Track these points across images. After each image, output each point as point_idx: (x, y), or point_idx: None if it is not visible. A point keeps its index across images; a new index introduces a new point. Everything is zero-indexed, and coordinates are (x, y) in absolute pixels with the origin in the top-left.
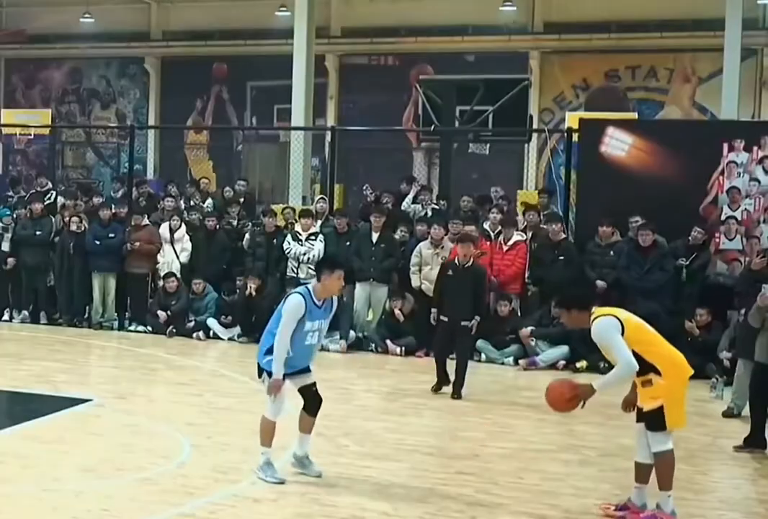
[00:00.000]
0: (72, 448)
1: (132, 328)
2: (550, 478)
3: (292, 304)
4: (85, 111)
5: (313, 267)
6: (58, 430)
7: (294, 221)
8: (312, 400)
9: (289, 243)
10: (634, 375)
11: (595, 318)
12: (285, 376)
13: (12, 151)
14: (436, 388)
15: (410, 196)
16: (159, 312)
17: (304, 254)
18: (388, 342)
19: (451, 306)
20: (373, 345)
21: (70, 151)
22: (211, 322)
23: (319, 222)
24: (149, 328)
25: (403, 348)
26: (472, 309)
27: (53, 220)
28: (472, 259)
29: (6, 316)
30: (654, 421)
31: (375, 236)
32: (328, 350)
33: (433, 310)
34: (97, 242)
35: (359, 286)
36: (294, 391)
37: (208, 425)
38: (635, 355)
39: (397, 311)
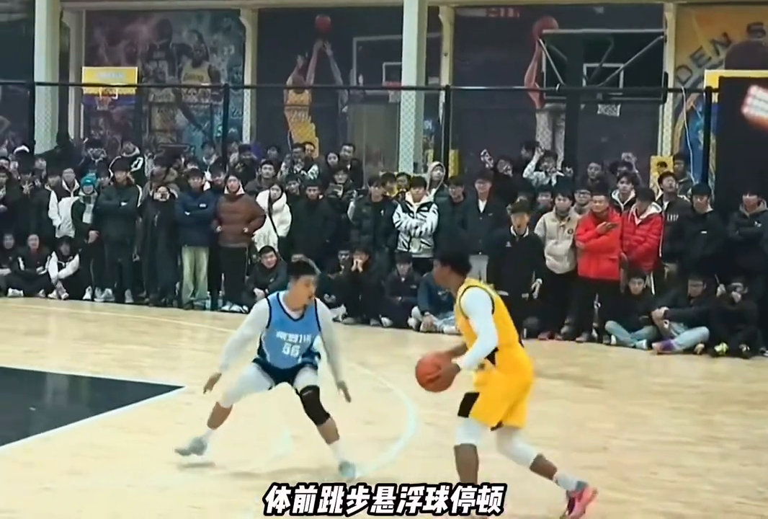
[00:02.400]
0: (159, 440)
1: (226, 308)
2: (686, 474)
3: (255, 309)
4: (174, 69)
5: (426, 241)
6: (143, 420)
7: (405, 190)
8: (306, 408)
9: (399, 215)
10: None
11: (468, 287)
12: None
13: (94, 113)
14: None
15: (532, 163)
16: (256, 290)
17: (416, 227)
18: None
19: (510, 280)
20: None
21: (158, 114)
22: None
23: (433, 191)
24: (245, 307)
25: (525, 330)
26: (530, 280)
27: (140, 189)
28: (527, 230)
29: (87, 295)
30: (463, 405)
31: (482, 205)
32: (442, 332)
33: (489, 285)
34: (187, 213)
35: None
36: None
37: None
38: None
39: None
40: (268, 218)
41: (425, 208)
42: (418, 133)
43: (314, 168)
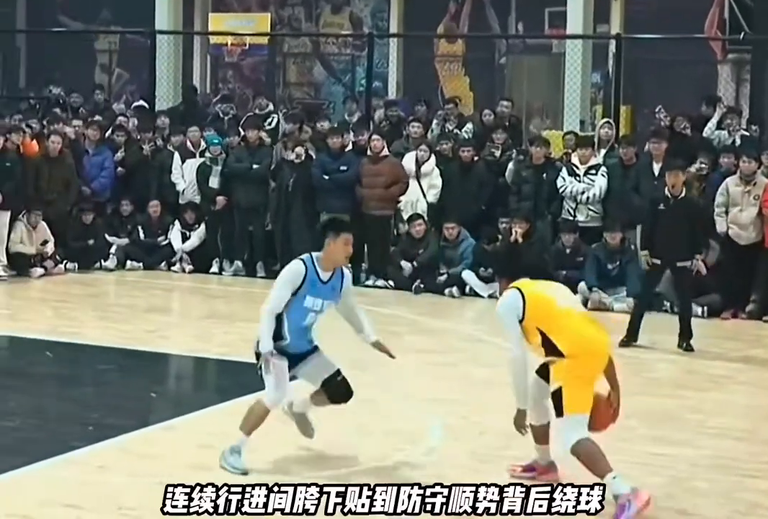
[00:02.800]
0: (293, 429)
1: (369, 282)
2: None
3: (289, 269)
4: (311, 15)
5: (594, 208)
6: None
7: (570, 151)
8: (337, 392)
9: (563, 178)
10: (524, 362)
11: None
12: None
13: (222, 65)
14: (624, 343)
15: (713, 121)
16: (403, 263)
17: (583, 193)
18: None
19: (664, 246)
20: (668, 304)
21: (293, 65)
22: (468, 276)
23: (602, 152)
24: (391, 282)
25: (705, 308)
26: (689, 247)
27: (274, 149)
28: (684, 190)
29: (215, 268)
30: (555, 406)
31: (656, 167)
32: (612, 310)
33: (643, 252)
34: (326, 176)
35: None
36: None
37: (463, 402)
38: (541, 334)
39: (698, 262)
40: (415, 183)
41: (593, 171)
42: (585, 88)
43: (468, 126)
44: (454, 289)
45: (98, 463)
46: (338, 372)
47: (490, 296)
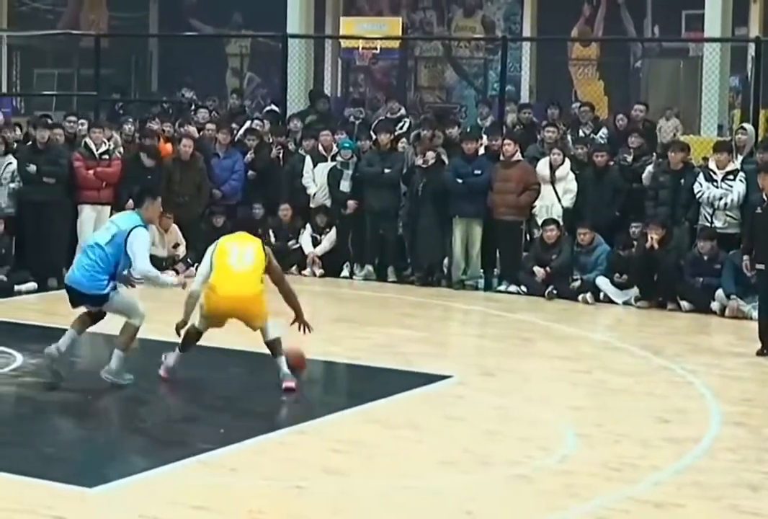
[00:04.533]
0: (427, 436)
1: (502, 288)
2: None
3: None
4: (443, 19)
5: (732, 214)
6: (409, 414)
7: (707, 156)
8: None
9: (700, 184)
10: None
11: None
12: None
13: (354, 68)
14: (762, 353)
15: None
16: (536, 268)
17: (720, 198)
18: None
19: (762, 249)
20: None
21: (425, 69)
22: (602, 282)
23: (740, 157)
24: (523, 288)
25: None
26: None
27: (405, 153)
28: None
29: (346, 272)
30: None
31: None
32: (751, 318)
33: (745, 257)
34: (459, 180)
35: None
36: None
37: (597, 410)
38: None
39: None
40: (550, 188)
41: (731, 177)
42: (723, 92)
43: (603, 131)
44: (588, 296)
45: (229, 465)
46: None
47: (625, 303)
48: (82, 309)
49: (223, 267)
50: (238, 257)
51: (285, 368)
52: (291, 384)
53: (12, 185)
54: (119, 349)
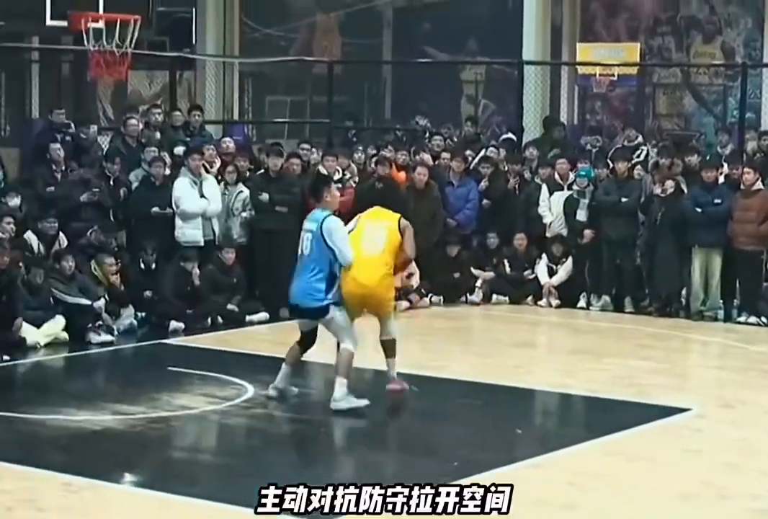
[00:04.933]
0: (665, 468)
1: (741, 319)
2: None
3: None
4: (682, 45)
5: None
6: (647, 446)
7: None
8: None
9: None
10: None
11: None
12: None
13: (590, 95)
14: None
15: None
16: None
17: None
18: None
19: None
20: None
21: (663, 96)
22: None
23: None
24: (763, 319)
25: None
26: None
27: (643, 182)
28: None
29: (582, 302)
30: None
31: None
32: None
33: None
34: (699, 209)
35: None
36: None
37: None
38: None
39: None
40: None
41: None
42: None
43: None
44: None
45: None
46: None
47: None
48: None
49: (356, 250)
50: (370, 239)
51: (393, 372)
52: (396, 386)
53: (244, 214)
54: (340, 376)
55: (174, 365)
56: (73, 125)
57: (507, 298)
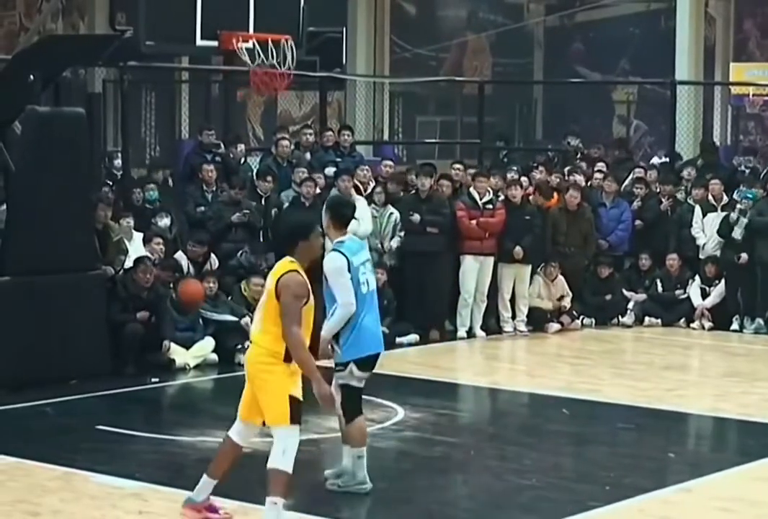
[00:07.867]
0: None
1: None
2: None
3: None
4: None
5: None
6: None
7: None
8: None
9: None
10: None
11: None
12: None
13: (743, 115)
14: None
15: None
16: None
17: None
18: None
19: None
20: None
21: None
22: None
23: None
24: None
25: None
26: None
27: None
28: None
29: (735, 325)
30: None
31: None
32: None
33: None
34: None
35: None
36: None
37: None
38: None
39: None
40: None
41: None
42: None
43: None
44: None
45: None
46: None
47: None
48: None
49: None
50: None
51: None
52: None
53: (394, 244)
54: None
55: None
56: (222, 146)
57: (659, 321)
